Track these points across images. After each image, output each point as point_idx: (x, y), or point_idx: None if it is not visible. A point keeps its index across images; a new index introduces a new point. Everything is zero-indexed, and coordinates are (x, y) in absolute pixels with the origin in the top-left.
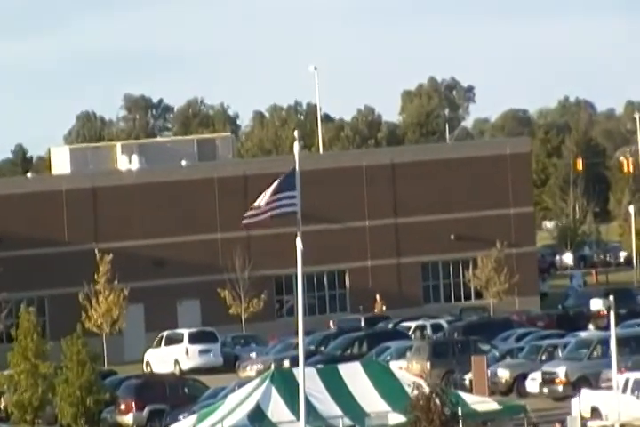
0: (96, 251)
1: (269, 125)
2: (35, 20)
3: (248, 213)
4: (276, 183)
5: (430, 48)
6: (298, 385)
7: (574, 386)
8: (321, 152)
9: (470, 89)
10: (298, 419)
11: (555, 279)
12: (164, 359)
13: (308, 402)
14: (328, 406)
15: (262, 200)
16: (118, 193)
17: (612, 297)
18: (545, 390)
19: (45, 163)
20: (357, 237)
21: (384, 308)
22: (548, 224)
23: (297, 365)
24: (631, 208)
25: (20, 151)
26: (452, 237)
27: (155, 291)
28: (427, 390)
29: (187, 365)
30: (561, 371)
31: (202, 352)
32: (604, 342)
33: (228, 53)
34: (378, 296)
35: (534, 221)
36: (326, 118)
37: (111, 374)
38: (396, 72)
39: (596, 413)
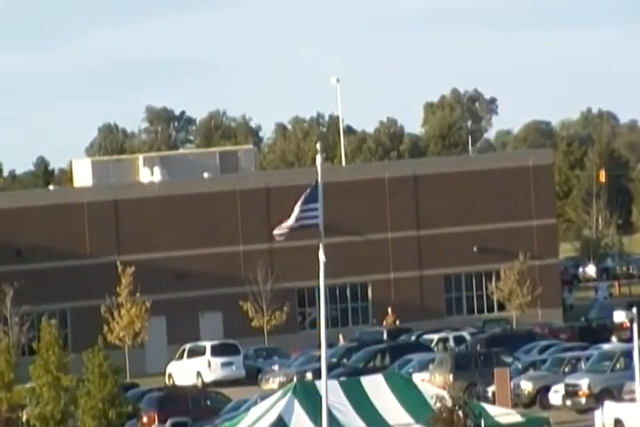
0: (118, 263)
1: (291, 138)
2: (56, 31)
3: (281, 226)
4: (302, 196)
5: (453, 60)
6: (320, 398)
7: (597, 398)
8: (343, 164)
9: (493, 101)
10: None
11: (578, 291)
12: (186, 372)
13: (330, 415)
14: (351, 418)
15: (293, 213)
16: (140, 205)
17: (634, 309)
18: (568, 402)
19: (67, 175)
20: (380, 250)
21: (397, 322)
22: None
23: (319, 377)
24: None
25: (42, 163)
26: (475, 249)
27: (177, 303)
28: (449, 402)
29: (209, 377)
30: (584, 383)
31: (224, 365)
32: (627, 355)
33: (251, 65)
34: (390, 309)
35: (557, 234)
36: (348, 130)
37: (133, 387)
38: (418, 84)
39: (619, 425)
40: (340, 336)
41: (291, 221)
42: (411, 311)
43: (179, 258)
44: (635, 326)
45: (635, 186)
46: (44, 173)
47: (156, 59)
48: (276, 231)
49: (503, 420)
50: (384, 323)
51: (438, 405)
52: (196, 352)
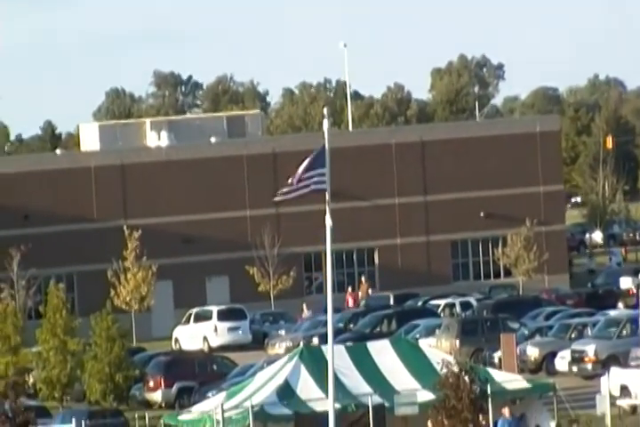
0: (125, 227)
1: (299, 102)
2: None
3: (281, 191)
4: (306, 161)
5: (460, 26)
6: (327, 362)
7: (603, 364)
8: (350, 129)
9: (500, 67)
10: (327, 396)
11: (583, 258)
12: (192, 336)
13: (336, 379)
14: (357, 383)
15: (295, 177)
16: (147, 170)
17: None
18: (574, 368)
19: (74, 139)
20: (387, 215)
21: (370, 291)
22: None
23: (326, 342)
24: None
25: (49, 128)
26: (482, 214)
27: (183, 268)
28: (456, 367)
29: (215, 342)
30: (590, 349)
31: (231, 329)
32: (634, 321)
33: (258, 30)
34: (363, 278)
35: (564, 200)
36: (356, 96)
37: (140, 351)
38: (425, 49)
39: (625, 391)
40: (304, 306)
41: (298, 186)
42: (417, 277)
43: (185, 222)
44: None
45: None
46: (51, 138)
47: (163, 24)
48: (278, 197)
49: (509, 385)
50: (359, 293)
51: (444, 370)
52: (202, 317)
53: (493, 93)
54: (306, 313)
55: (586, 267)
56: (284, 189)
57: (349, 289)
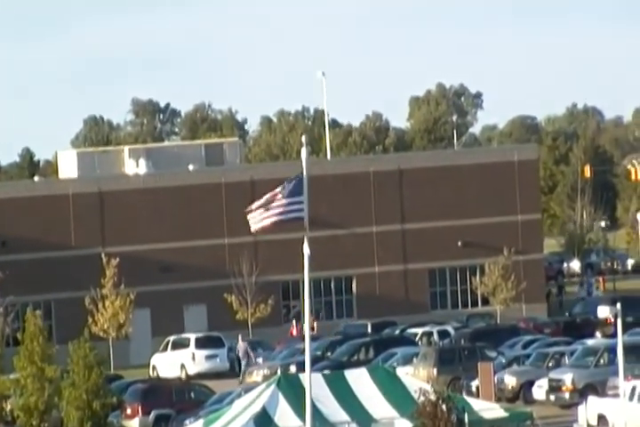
0: (102, 255)
1: (277, 131)
2: (42, 22)
3: (253, 216)
4: (280, 188)
5: (439, 54)
6: (304, 390)
7: (581, 393)
8: (328, 158)
9: (478, 95)
10: (304, 424)
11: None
12: (170, 364)
13: (314, 407)
14: (335, 411)
15: (267, 204)
16: (125, 197)
17: (619, 305)
18: (552, 397)
19: (52, 166)
20: (364, 243)
21: (315, 324)
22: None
23: (303, 370)
24: (639, 216)
25: (28, 155)
26: (460, 243)
27: (161, 295)
28: (433, 396)
29: (193, 369)
30: (568, 378)
31: (208, 357)
32: (611, 350)
33: (236, 58)
34: (294, 322)
35: (542, 229)
36: (334, 124)
37: (117, 379)
38: (404, 78)
39: (602, 420)
40: (240, 337)
41: (270, 213)
42: (395, 305)
43: (163, 250)
44: (619, 321)
45: (619, 182)
46: (29, 165)
47: (142, 51)
48: (254, 227)
49: (487, 414)
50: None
51: (422, 399)
52: (180, 344)
53: (472, 122)
54: (241, 345)
55: (579, 295)
56: (257, 216)
57: (294, 321)
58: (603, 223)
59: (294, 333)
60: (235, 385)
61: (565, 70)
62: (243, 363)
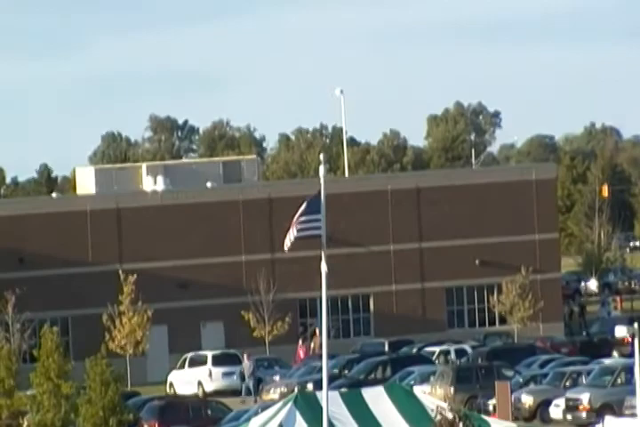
0: (120, 272)
1: (295, 148)
2: (62, 39)
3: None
4: (302, 206)
5: (457, 73)
6: (321, 409)
7: (598, 413)
8: (346, 176)
9: (497, 114)
10: None
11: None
12: (187, 381)
13: (331, 425)
14: None
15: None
16: (143, 214)
17: (636, 324)
18: (568, 416)
19: (70, 183)
20: (382, 261)
21: (302, 349)
22: None
23: (320, 388)
24: None
25: (46, 171)
26: (477, 262)
27: (179, 312)
28: (450, 414)
29: (210, 387)
30: (584, 398)
31: (225, 374)
32: (628, 370)
33: (255, 75)
34: (317, 329)
35: (559, 248)
36: (352, 142)
37: (134, 396)
38: (422, 96)
39: None
40: (245, 356)
41: (293, 231)
42: (412, 323)
43: (181, 267)
44: (636, 341)
45: (637, 201)
46: (47, 181)
47: (160, 68)
48: (286, 242)
49: None
50: (312, 345)
51: (439, 417)
52: (197, 362)
53: (490, 141)
54: (246, 363)
55: (600, 314)
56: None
57: (300, 341)
58: (631, 243)
59: (302, 355)
60: (250, 403)
61: (583, 89)
62: (247, 381)
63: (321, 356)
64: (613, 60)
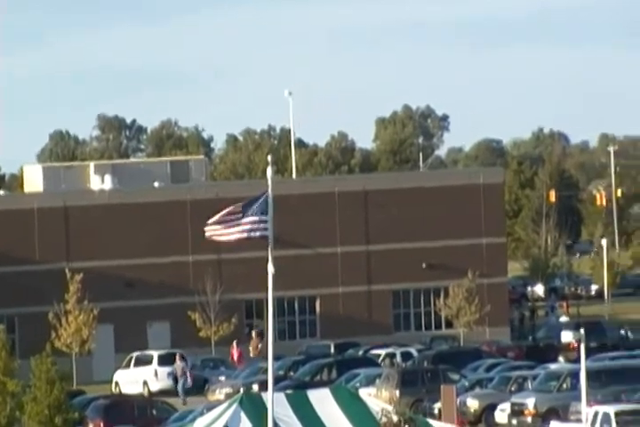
0: (67, 270)
1: (243, 149)
2: (11, 37)
3: (214, 229)
4: (244, 203)
5: (406, 76)
6: (266, 410)
7: (543, 418)
8: (294, 177)
9: (445, 118)
10: None
11: (525, 310)
12: (133, 380)
13: None
14: None
15: (229, 219)
16: (90, 213)
17: (582, 330)
18: (514, 421)
19: (18, 181)
20: (329, 263)
21: (259, 346)
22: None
23: (266, 389)
24: (603, 241)
25: None
26: (424, 265)
27: (125, 312)
28: (395, 417)
29: (155, 386)
30: (530, 402)
31: (171, 374)
32: (574, 375)
33: (203, 76)
34: (254, 333)
35: (506, 252)
36: (300, 144)
37: (80, 394)
38: (370, 99)
39: None
40: (177, 356)
41: (238, 231)
42: (358, 326)
43: (128, 266)
44: (582, 346)
45: (584, 207)
46: None
47: (109, 67)
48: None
49: None
50: (250, 349)
51: (384, 420)
52: (142, 361)
53: (437, 144)
54: (178, 364)
55: (547, 320)
56: (218, 229)
57: (234, 343)
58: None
59: (235, 357)
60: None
61: (532, 94)
62: (180, 382)
63: (265, 357)
64: (562, 66)
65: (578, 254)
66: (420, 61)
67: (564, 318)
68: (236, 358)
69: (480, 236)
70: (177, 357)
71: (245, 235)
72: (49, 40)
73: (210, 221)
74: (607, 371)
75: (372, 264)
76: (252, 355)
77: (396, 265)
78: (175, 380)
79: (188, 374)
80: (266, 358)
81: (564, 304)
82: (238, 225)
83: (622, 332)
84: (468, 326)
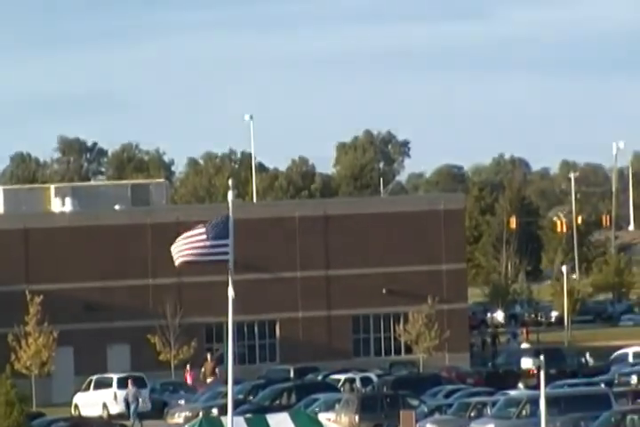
0: (26, 292)
1: (203, 173)
2: None
3: (177, 249)
4: (204, 226)
5: (367, 101)
6: None
7: None
8: (255, 201)
9: (406, 143)
10: None
11: (487, 336)
12: (92, 403)
13: None
14: None
15: (190, 241)
16: (51, 235)
17: (542, 356)
18: None
19: None
20: (289, 288)
21: (217, 370)
22: None
23: (225, 413)
24: (563, 268)
25: None
26: (384, 291)
27: (85, 334)
28: None
29: (115, 409)
30: None
31: (125, 399)
32: (534, 402)
33: (165, 99)
34: (209, 355)
35: (466, 278)
36: (261, 168)
37: (39, 416)
38: (331, 124)
39: None
40: (130, 382)
41: (198, 254)
42: (318, 351)
43: (88, 289)
44: (542, 373)
45: (544, 233)
46: None
47: (70, 90)
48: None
49: None
50: (202, 370)
51: None
52: (102, 384)
53: (398, 170)
54: (130, 389)
55: (508, 346)
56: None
57: (187, 366)
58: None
59: (189, 380)
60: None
61: (492, 121)
62: (132, 407)
63: (220, 381)
64: (524, 93)
65: (549, 281)
66: (381, 87)
67: (524, 345)
68: (189, 381)
69: (440, 262)
70: (129, 381)
71: (205, 258)
72: (7, 61)
73: (175, 244)
74: (566, 398)
75: (332, 289)
76: (207, 379)
77: (356, 290)
78: (127, 404)
79: (141, 399)
80: (221, 382)
81: (524, 331)
82: (198, 248)
83: (583, 359)
84: (428, 351)
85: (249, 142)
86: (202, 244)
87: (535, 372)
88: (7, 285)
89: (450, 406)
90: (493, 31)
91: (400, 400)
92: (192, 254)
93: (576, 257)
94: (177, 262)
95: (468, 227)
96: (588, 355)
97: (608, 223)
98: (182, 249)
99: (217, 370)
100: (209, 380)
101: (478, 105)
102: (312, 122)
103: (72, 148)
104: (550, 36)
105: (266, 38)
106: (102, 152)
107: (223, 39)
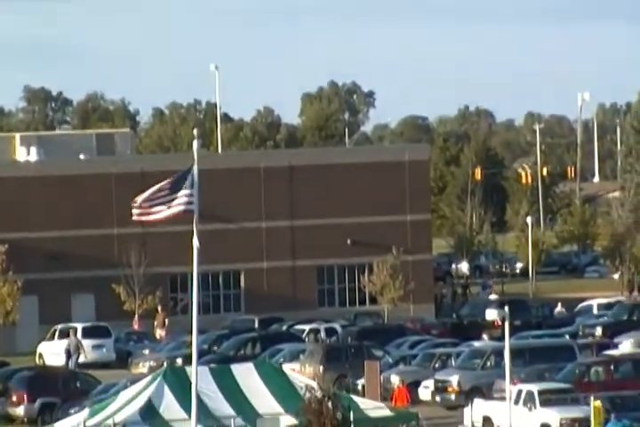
0: None
1: (168, 123)
2: None
3: (139, 208)
4: (170, 180)
5: (332, 51)
6: (190, 383)
7: (467, 395)
8: (219, 152)
9: (371, 94)
10: (189, 417)
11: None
12: (56, 352)
13: (200, 401)
14: (220, 405)
15: (155, 197)
16: (15, 184)
17: (506, 308)
18: (437, 398)
19: None
20: (253, 238)
21: (166, 320)
22: None
23: (190, 363)
24: (528, 219)
25: None
26: (349, 241)
27: (49, 284)
28: (319, 393)
29: (79, 359)
30: (454, 380)
31: (95, 347)
32: (498, 353)
33: (131, 49)
34: (160, 307)
35: (431, 229)
36: (226, 118)
37: (3, 366)
38: (296, 74)
39: (487, 422)
40: (71, 332)
41: (165, 207)
42: (283, 301)
43: (52, 238)
44: (506, 324)
45: (509, 185)
46: None
47: (34, 39)
48: (137, 217)
49: (372, 413)
50: (155, 323)
51: (308, 395)
52: (66, 333)
53: (363, 121)
54: (72, 340)
55: (481, 297)
56: (143, 209)
57: (136, 316)
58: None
59: (136, 327)
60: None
61: (458, 71)
62: (73, 358)
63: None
64: (490, 43)
65: (514, 232)
66: (346, 37)
67: (493, 296)
68: (137, 329)
69: (405, 212)
70: (71, 332)
71: (172, 210)
72: None
73: (135, 201)
74: (531, 349)
75: (296, 240)
76: (158, 331)
77: (321, 241)
78: (69, 355)
79: (82, 349)
80: (171, 333)
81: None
82: (164, 202)
83: (555, 310)
84: (393, 302)
85: (214, 92)
86: (168, 197)
87: (500, 323)
88: None
89: (414, 356)
90: None
91: (364, 351)
92: (158, 211)
93: (541, 208)
94: (142, 219)
95: (433, 178)
96: (559, 306)
97: (573, 175)
98: (147, 206)
99: (166, 321)
100: (159, 331)
101: (444, 56)
102: (277, 72)
103: (37, 97)
104: None
105: None
106: (67, 101)
107: None
